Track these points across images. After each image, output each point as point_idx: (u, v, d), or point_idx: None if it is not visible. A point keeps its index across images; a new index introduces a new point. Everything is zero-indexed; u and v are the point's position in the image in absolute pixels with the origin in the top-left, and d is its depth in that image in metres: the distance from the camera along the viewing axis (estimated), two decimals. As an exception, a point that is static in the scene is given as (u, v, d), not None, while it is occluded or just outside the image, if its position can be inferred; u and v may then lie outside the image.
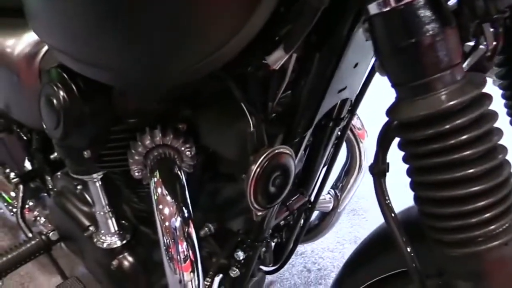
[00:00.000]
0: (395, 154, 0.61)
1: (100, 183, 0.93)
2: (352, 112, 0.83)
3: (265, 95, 0.69)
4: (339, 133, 0.89)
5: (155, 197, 0.78)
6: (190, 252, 0.77)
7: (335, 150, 0.92)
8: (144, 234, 1.02)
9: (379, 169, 0.62)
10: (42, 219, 1.39)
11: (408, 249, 0.59)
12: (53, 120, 0.82)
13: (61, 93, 0.80)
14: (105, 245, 0.99)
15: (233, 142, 0.73)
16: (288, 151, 0.70)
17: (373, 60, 0.74)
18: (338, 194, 1.15)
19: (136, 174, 0.83)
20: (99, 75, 0.71)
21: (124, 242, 0.99)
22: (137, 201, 0.99)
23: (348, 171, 1.13)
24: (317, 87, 0.68)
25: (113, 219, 0.98)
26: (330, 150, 0.91)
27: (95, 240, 1.01)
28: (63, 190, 1.13)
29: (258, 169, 0.67)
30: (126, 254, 0.99)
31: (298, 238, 1.07)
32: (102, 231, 1.00)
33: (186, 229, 0.77)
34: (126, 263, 0.99)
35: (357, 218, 1.79)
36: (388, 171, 0.62)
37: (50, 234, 1.23)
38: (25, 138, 1.31)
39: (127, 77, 0.66)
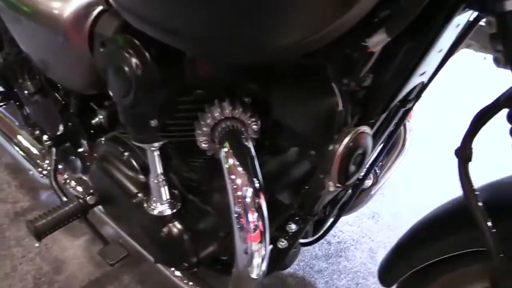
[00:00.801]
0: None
1: (158, 152, 0.94)
2: (420, 95, 0.85)
3: (351, 75, 0.71)
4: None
5: (227, 167, 0.79)
6: (260, 222, 0.79)
7: (394, 130, 0.94)
8: (192, 202, 1.03)
9: (465, 153, 0.64)
10: (73, 183, 1.39)
11: (492, 230, 0.62)
12: (123, 87, 0.82)
13: (134, 60, 0.80)
14: (156, 212, 1.01)
15: (313, 118, 0.75)
16: (368, 131, 0.72)
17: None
18: (377, 171, 1.17)
19: (203, 145, 0.84)
20: (184, 44, 0.71)
21: (175, 210, 1.01)
22: (187, 170, 1.01)
23: (390, 149, 1.15)
24: (402, 71, 0.70)
25: (166, 187, 0.99)
26: (389, 130, 0.93)
27: (145, 207, 1.02)
28: (106, 155, 1.14)
29: (344, 148, 0.69)
30: (176, 222, 1.01)
31: (341, 213, 1.10)
32: (154, 199, 1.01)
33: (257, 200, 0.79)
34: (175, 230, 1.01)
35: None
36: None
37: (88, 198, 1.24)
38: (62, 101, 1.30)
39: (223, 50, 0.66)
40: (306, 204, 0.93)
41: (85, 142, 1.30)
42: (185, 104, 0.85)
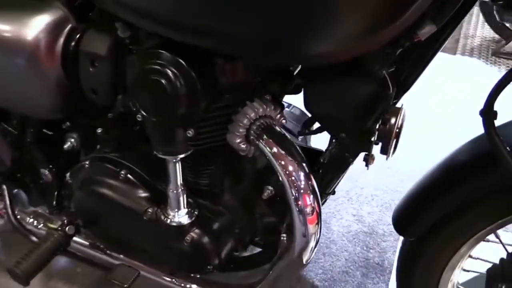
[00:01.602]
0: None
1: (179, 162, 0.94)
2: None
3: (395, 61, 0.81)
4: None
5: (274, 158, 0.85)
6: (316, 204, 0.86)
7: None
8: (204, 206, 1.05)
9: (490, 113, 0.78)
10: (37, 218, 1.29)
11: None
12: (162, 102, 0.82)
13: (172, 73, 0.80)
14: (175, 222, 1.01)
15: (354, 104, 0.83)
16: (403, 108, 0.84)
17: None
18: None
19: (242, 146, 0.88)
20: (232, 47, 0.75)
21: (193, 218, 1.02)
22: (198, 176, 1.02)
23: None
24: (428, 51, 0.82)
25: (185, 196, 0.99)
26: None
27: (162, 219, 1.01)
28: (94, 178, 1.08)
29: (400, 124, 0.80)
30: (196, 228, 1.02)
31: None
32: (171, 210, 1.00)
33: (310, 183, 0.85)
34: (198, 236, 1.02)
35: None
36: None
37: (67, 229, 1.17)
38: (14, 131, 1.20)
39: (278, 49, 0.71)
40: (320, 184, 1.01)
41: (46, 172, 1.22)
42: (218, 110, 0.87)
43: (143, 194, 1.05)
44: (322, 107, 0.87)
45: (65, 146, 1.13)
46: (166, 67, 0.80)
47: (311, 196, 0.85)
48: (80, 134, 1.14)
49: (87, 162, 1.10)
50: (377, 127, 0.85)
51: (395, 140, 0.84)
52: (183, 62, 0.80)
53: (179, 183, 0.97)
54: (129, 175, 1.05)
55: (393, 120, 0.83)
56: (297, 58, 0.75)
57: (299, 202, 0.85)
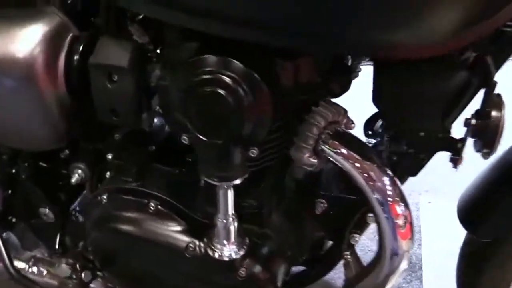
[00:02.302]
0: None
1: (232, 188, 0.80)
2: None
3: None
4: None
5: (351, 166, 0.73)
6: (408, 214, 0.73)
7: None
8: (251, 231, 0.90)
9: None
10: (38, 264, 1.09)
11: None
12: (222, 118, 0.67)
13: (232, 79, 0.65)
14: (226, 257, 0.85)
15: (441, 96, 0.71)
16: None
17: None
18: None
19: (312, 160, 0.74)
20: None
21: (245, 248, 0.87)
22: (240, 199, 0.87)
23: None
24: None
25: (236, 225, 0.84)
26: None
27: (211, 254, 0.85)
28: (116, 214, 0.91)
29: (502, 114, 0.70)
30: (249, 259, 0.87)
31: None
32: (221, 242, 0.85)
33: (398, 190, 0.73)
34: (253, 268, 0.87)
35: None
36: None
37: (83, 276, 1.00)
38: (5, 168, 1.01)
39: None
40: None
41: (46, 211, 1.03)
42: (283, 120, 0.73)
43: (180, 227, 0.89)
44: (400, 103, 0.74)
45: (73, 180, 0.95)
46: (223, 74, 0.65)
47: (401, 204, 0.73)
48: (88, 162, 0.96)
49: (103, 196, 0.92)
50: (473, 121, 0.74)
51: (498, 135, 0.73)
52: (242, 65, 0.65)
53: (230, 211, 0.82)
54: (159, 207, 0.89)
55: (496, 112, 0.71)
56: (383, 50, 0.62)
57: (389, 213, 0.72)
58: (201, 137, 0.70)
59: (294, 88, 0.71)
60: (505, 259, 0.94)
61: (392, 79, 0.72)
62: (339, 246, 0.92)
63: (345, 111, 0.77)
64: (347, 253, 0.91)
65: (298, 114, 0.73)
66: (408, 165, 0.84)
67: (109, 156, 0.93)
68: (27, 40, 0.79)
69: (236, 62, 0.65)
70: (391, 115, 0.78)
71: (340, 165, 0.73)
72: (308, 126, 0.72)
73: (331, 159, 0.73)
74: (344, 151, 0.73)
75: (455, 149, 0.77)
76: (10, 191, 1.03)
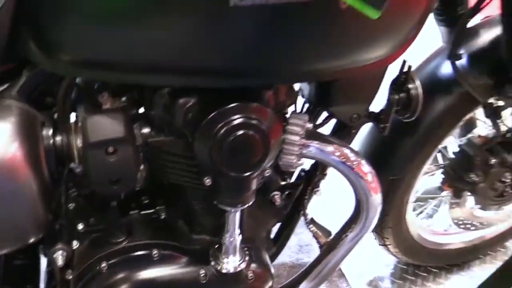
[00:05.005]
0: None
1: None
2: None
3: None
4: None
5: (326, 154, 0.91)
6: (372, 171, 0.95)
7: None
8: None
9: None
10: None
11: None
12: (253, 154, 0.80)
13: (255, 119, 0.78)
14: (232, 270, 0.97)
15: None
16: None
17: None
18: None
19: (299, 162, 0.89)
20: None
21: (247, 253, 1.00)
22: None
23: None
24: None
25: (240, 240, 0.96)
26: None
27: (224, 272, 0.96)
28: (122, 278, 0.93)
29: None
30: (252, 264, 1.00)
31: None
32: (229, 258, 0.96)
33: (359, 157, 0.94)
34: (257, 271, 1.00)
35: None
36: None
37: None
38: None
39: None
40: None
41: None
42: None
43: (185, 261, 0.97)
44: None
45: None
46: (244, 117, 0.77)
47: (365, 165, 0.93)
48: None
49: (103, 265, 0.93)
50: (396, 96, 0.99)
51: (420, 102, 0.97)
52: (256, 103, 0.78)
53: (237, 231, 0.93)
54: (162, 252, 0.95)
55: (412, 84, 0.97)
56: None
57: (359, 173, 0.92)
58: (231, 174, 0.80)
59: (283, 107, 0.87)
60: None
61: None
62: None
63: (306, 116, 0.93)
64: (310, 226, 1.10)
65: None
66: None
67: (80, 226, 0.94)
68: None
69: (249, 102, 0.77)
70: None
71: (321, 157, 0.91)
72: (290, 136, 0.85)
73: (313, 155, 0.91)
74: (321, 145, 0.89)
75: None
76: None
